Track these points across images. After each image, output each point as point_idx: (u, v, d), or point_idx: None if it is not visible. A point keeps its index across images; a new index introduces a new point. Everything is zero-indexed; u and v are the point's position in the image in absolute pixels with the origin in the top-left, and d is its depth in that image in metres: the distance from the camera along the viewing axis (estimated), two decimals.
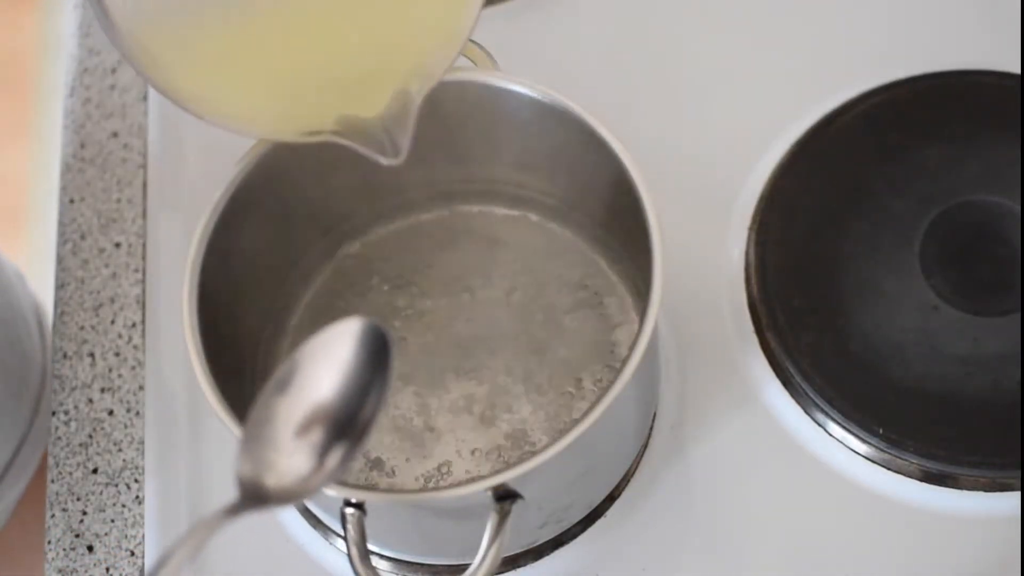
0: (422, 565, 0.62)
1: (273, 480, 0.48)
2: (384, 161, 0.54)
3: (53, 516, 0.66)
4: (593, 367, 0.63)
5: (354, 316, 0.50)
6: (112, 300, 0.70)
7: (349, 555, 0.53)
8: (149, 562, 0.64)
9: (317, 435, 0.49)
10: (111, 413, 0.68)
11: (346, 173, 0.62)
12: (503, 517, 0.54)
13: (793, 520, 0.63)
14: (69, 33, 0.78)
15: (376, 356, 0.49)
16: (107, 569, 0.64)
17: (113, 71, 0.77)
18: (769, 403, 0.65)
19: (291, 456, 0.48)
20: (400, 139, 0.54)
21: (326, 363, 0.49)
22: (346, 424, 0.49)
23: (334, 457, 0.48)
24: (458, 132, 0.62)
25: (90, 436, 0.67)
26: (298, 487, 0.49)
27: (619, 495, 0.63)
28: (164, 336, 0.68)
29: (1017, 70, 0.71)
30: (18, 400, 0.79)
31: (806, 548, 0.62)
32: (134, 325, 0.69)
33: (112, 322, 0.70)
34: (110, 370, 0.69)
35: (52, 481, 0.67)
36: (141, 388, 0.68)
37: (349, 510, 0.54)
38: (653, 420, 0.64)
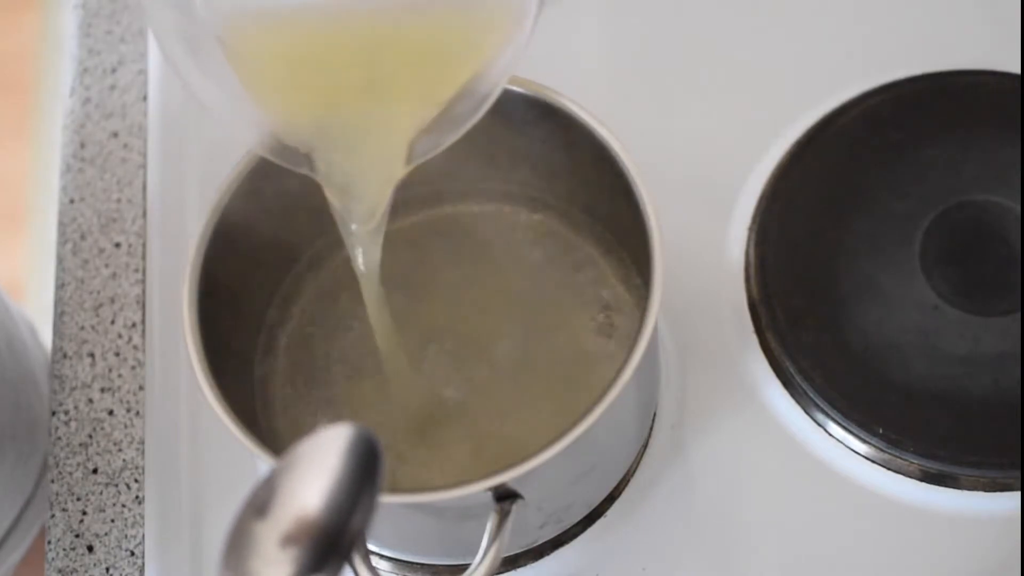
0: (422, 565, 0.62)
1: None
2: (353, 226, 0.53)
3: (53, 516, 0.66)
4: (592, 367, 0.63)
5: (343, 423, 0.45)
6: (112, 300, 0.70)
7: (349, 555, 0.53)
8: (149, 562, 0.64)
9: (301, 549, 0.43)
10: (111, 413, 0.68)
11: None
12: (503, 517, 0.54)
13: (793, 520, 0.63)
14: (69, 33, 0.78)
15: (365, 465, 0.44)
16: (107, 569, 0.64)
17: (113, 71, 0.77)
18: (769, 403, 0.65)
19: (276, 569, 0.43)
20: (377, 209, 0.52)
21: (311, 473, 0.44)
22: (334, 536, 0.43)
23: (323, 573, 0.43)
24: None
25: (90, 436, 0.67)
26: None
27: (619, 495, 0.63)
28: (164, 336, 0.68)
29: (1017, 70, 0.71)
30: (25, 465, 0.78)
31: (806, 548, 0.62)
32: (134, 325, 0.69)
33: (112, 322, 0.70)
34: (110, 370, 0.69)
35: (52, 481, 0.67)
36: (141, 388, 0.68)
37: None
38: (653, 420, 0.64)
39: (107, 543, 0.65)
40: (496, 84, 0.53)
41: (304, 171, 0.56)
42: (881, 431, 0.62)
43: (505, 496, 0.54)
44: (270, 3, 0.53)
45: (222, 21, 0.53)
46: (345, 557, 0.44)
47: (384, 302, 0.59)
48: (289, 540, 0.43)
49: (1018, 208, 0.67)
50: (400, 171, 0.54)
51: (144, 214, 0.72)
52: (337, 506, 0.43)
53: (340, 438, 0.44)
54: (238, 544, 0.43)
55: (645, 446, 0.64)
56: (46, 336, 0.79)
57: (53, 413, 0.68)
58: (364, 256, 0.56)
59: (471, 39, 0.53)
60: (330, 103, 0.55)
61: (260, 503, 0.44)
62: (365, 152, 0.55)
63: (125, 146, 0.74)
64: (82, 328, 0.70)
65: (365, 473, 0.44)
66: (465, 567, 0.53)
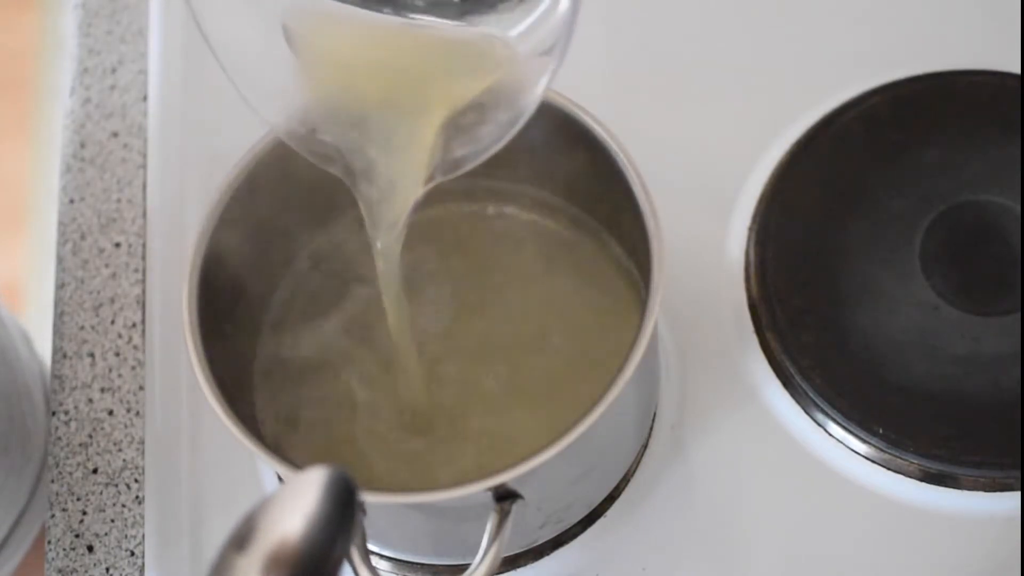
0: (422, 565, 0.62)
1: None
2: (370, 235, 0.54)
3: (53, 516, 0.66)
4: (592, 367, 0.63)
5: (319, 465, 0.47)
6: (112, 300, 0.70)
7: (349, 555, 0.53)
8: (149, 562, 0.64)
9: None
10: (111, 413, 0.68)
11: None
12: (503, 517, 0.54)
13: (793, 520, 0.63)
14: (69, 33, 0.78)
15: (341, 500, 0.46)
16: (107, 569, 0.64)
17: (113, 71, 0.77)
18: (769, 403, 0.65)
19: None
20: (400, 215, 0.54)
21: (289, 508, 0.46)
22: (313, 567, 0.45)
23: None
24: None
25: (90, 436, 0.67)
26: None
27: (619, 495, 0.63)
28: (164, 336, 0.68)
29: (1017, 70, 0.71)
30: (18, 477, 0.78)
31: (806, 548, 0.62)
32: (134, 325, 0.69)
33: (112, 322, 0.70)
34: (110, 370, 0.69)
35: (52, 481, 0.67)
36: (141, 388, 0.68)
37: None
38: (653, 420, 0.64)
39: (107, 543, 0.65)
40: (524, 110, 0.54)
41: (334, 170, 0.56)
42: (881, 431, 0.62)
43: (505, 496, 0.54)
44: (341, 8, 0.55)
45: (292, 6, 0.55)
46: None
47: (403, 302, 0.60)
48: (268, 572, 0.44)
49: (1018, 208, 0.67)
50: (421, 184, 0.56)
51: (144, 214, 0.72)
52: (314, 539, 0.45)
53: (317, 477, 0.46)
54: None
55: (645, 446, 0.64)
56: (45, 337, 0.79)
57: (53, 413, 0.68)
58: (384, 257, 0.58)
59: (500, 55, 0.55)
60: (383, 100, 0.56)
61: (240, 538, 0.45)
62: (402, 153, 0.56)
63: (125, 146, 0.74)
64: (82, 328, 0.70)
65: (341, 507, 0.46)
66: (465, 567, 0.53)
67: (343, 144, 0.56)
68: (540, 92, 0.53)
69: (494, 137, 0.55)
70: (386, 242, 0.57)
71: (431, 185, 0.56)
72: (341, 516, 0.46)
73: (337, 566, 0.45)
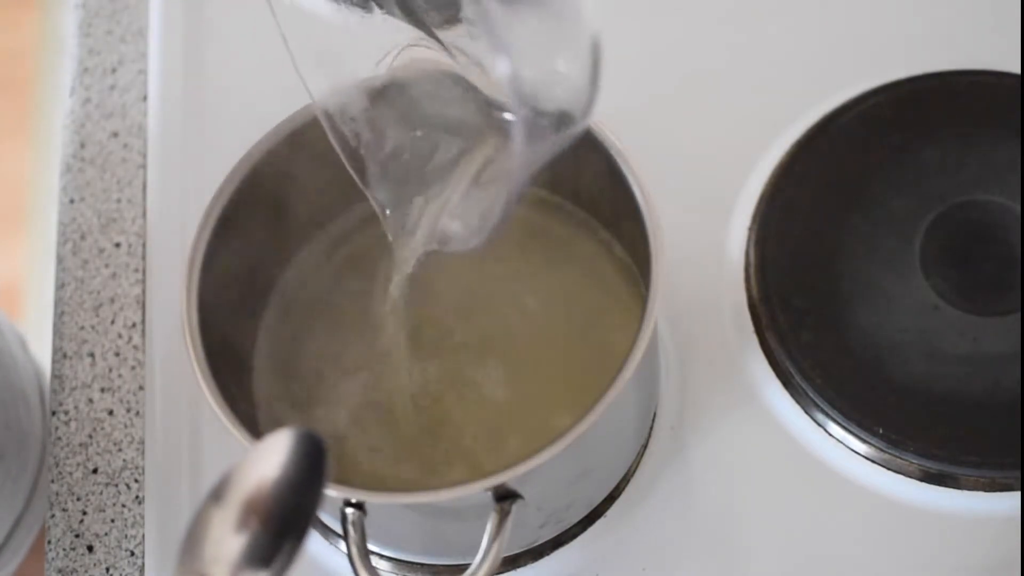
0: (422, 565, 0.62)
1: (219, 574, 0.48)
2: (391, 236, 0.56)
3: (53, 516, 0.66)
4: (592, 367, 0.63)
5: (287, 427, 0.50)
6: (112, 300, 0.70)
7: (349, 555, 0.53)
8: (149, 562, 0.64)
9: (253, 531, 0.48)
10: (111, 413, 0.68)
11: (343, 169, 0.62)
12: (503, 517, 0.54)
13: (793, 520, 0.63)
14: (69, 33, 0.78)
15: (310, 455, 0.49)
16: (107, 569, 0.64)
17: (113, 71, 0.77)
18: (769, 403, 0.65)
19: (233, 549, 0.47)
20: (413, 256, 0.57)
21: (261, 465, 0.49)
22: (284, 518, 0.48)
23: (281, 554, 0.47)
24: None
25: (90, 436, 0.67)
26: None
27: (619, 495, 0.63)
28: (164, 336, 0.68)
29: (1017, 70, 0.71)
30: (15, 483, 0.78)
31: (806, 548, 0.62)
32: (134, 325, 0.69)
33: (112, 322, 0.70)
34: (110, 370, 0.69)
35: (52, 481, 0.67)
36: (141, 388, 0.68)
37: (349, 510, 0.54)
38: (653, 420, 0.64)
39: (107, 543, 0.65)
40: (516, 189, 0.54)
41: (350, 159, 0.57)
42: (881, 431, 0.62)
43: (505, 496, 0.54)
44: None
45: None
46: (299, 539, 0.47)
47: (403, 309, 0.61)
48: (242, 524, 0.47)
49: (1018, 208, 0.67)
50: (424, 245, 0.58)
51: (144, 214, 0.72)
52: (287, 484, 0.48)
53: (286, 436, 0.49)
54: (196, 532, 0.48)
55: (645, 446, 0.64)
56: (45, 337, 0.79)
57: (53, 413, 0.68)
58: (397, 273, 0.60)
59: None
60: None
61: (217, 492, 0.49)
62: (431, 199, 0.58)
63: (125, 146, 0.74)
64: (82, 328, 0.70)
65: (310, 459, 0.49)
66: (465, 567, 0.53)
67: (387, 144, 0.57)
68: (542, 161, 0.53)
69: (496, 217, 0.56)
70: (402, 255, 0.59)
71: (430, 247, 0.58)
72: (311, 465, 0.49)
73: (310, 513, 0.48)
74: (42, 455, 0.80)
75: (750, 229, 0.68)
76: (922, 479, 0.62)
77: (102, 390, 0.68)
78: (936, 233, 0.67)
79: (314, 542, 0.63)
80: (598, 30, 0.49)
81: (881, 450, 0.63)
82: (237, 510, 0.48)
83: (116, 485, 0.66)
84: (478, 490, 0.53)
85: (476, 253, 0.66)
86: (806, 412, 0.64)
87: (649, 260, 0.56)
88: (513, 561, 0.62)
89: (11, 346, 0.81)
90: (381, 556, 0.62)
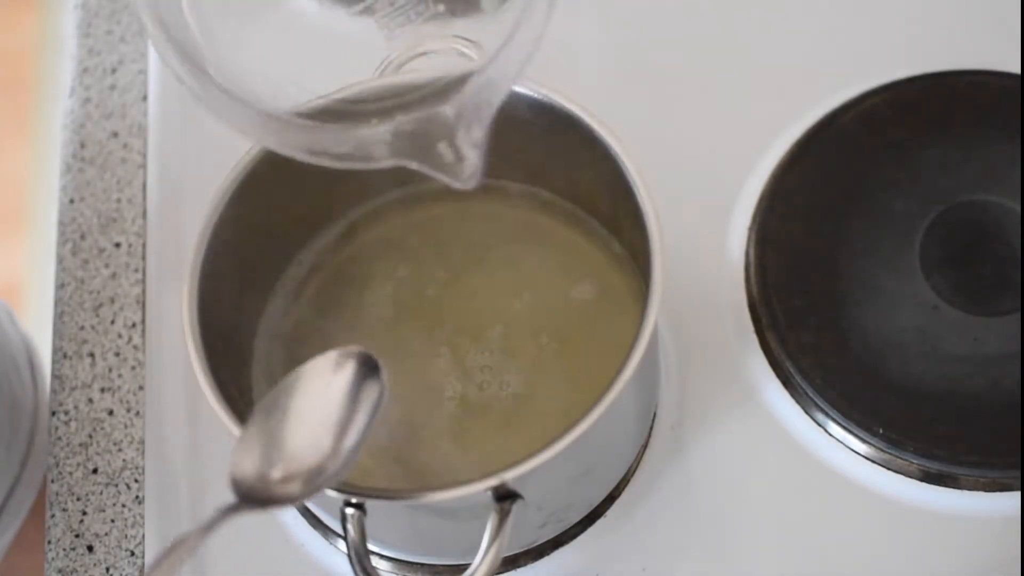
0: (422, 565, 0.62)
1: (280, 473, 0.49)
2: (457, 184, 0.55)
3: (53, 516, 0.66)
4: (592, 367, 0.63)
5: (338, 348, 0.52)
6: (112, 300, 0.70)
7: (349, 555, 0.53)
8: (149, 562, 0.64)
9: (324, 430, 0.50)
10: (111, 413, 0.68)
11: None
12: (503, 517, 0.54)
13: (793, 520, 0.63)
14: (69, 33, 0.78)
15: (368, 376, 0.53)
16: (107, 569, 0.64)
17: (113, 71, 0.77)
18: (769, 403, 0.65)
19: (298, 447, 0.50)
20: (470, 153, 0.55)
21: (323, 379, 0.52)
22: (347, 425, 0.50)
23: (348, 439, 0.50)
24: None
25: (90, 436, 0.67)
26: (312, 477, 0.49)
27: (619, 495, 0.63)
28: (164, 336, 0.68)
29: (1017, 70, 0.71)
30: (7, 449, 0.78)
31: (806, 548, 0.62)
32: (134, 325, 0.69)
33: (112, 322, 0.70)
34: (110, 370, 0.69)
35: (52, 481, 0.67)
36: (141, 388, 0.68)
37: (349, 510, 0.54)
38: (653, 420, 0.64)
39: (107, 543, 0.65)
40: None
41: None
42: (881, 431, 0.62)
43: (505, 496, 0.54)
44: None
45: None
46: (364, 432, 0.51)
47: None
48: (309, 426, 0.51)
49: (1018, 208, 0.67)
50: None
51: (144, 214, 0.72)
52: (345, 402, 0.52)
53: (339, 356, 0.53)
54: (259, 427, 0.51)
55: (645, 446, 0.64)
56: (46, 337, 0.79)
57: (53, 413, 0.68)
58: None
59: None
60: None
61: (273, 402, 0.52)
62: None
63: (125, 146, 0.74)
64: (82, 328, 0.70)
65: (367, 381, 0.53)
66: (465, 567, 0.53)
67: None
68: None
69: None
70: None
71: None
72: (368, 382, 0.53)
73: (371, 419, 0.52)
74: (34, 421, 0.80)
75: (750, 229, 0.68)
76: (922, 479, 0.62)
77: (102, 390, 0.68)
78: (936, 233, 0.67)
79: (314, 542, 0.63)
80: None
81: (881, 450, 0.63)
82: (302, 415, 0.50)
83: (116, 485, 0.66)
84: (478, 490, 0.53)
85: (476, 253, 0.66)
86: (806, 412, 0.64)
87: (649, 260, 0.56)
88: (513, 561, 0.62)
89: None
90: (381, 556, 0.62)
